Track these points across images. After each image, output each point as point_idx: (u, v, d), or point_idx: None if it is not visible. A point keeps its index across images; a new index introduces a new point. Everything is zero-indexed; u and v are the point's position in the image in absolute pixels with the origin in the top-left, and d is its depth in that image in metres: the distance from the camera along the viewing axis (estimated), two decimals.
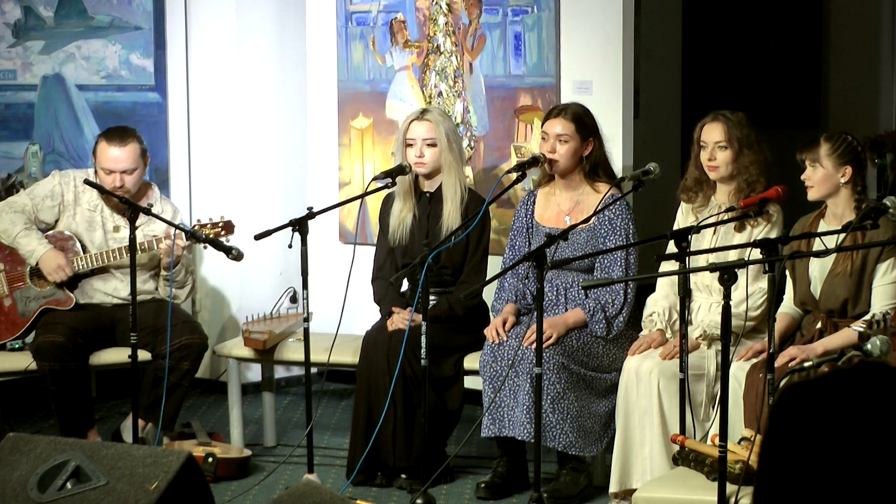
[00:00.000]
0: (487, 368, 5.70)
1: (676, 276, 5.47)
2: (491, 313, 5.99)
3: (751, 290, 5.33)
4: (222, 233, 6.07)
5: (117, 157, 6.18)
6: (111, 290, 6.30)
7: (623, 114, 6.44)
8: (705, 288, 5.63)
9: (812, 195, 5.33)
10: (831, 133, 5.44)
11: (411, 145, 6.02)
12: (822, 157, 5.27)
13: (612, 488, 5.47)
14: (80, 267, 6.21)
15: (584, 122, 5.81)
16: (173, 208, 6.43)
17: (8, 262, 6.31)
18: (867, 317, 4.71)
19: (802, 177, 5.32)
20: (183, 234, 6.01)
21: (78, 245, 6.24)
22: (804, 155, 5.31)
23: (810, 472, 1.73)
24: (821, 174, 5.27)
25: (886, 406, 1.74)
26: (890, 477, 1.71)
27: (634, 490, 5.10)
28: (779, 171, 5.61)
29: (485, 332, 5.79)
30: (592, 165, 5.83)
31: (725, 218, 5.37)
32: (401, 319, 5.88)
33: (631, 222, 5.77)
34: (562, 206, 5.88)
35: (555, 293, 5.79)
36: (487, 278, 5.81)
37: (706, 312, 5.57)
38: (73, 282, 6.25)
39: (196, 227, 6.08)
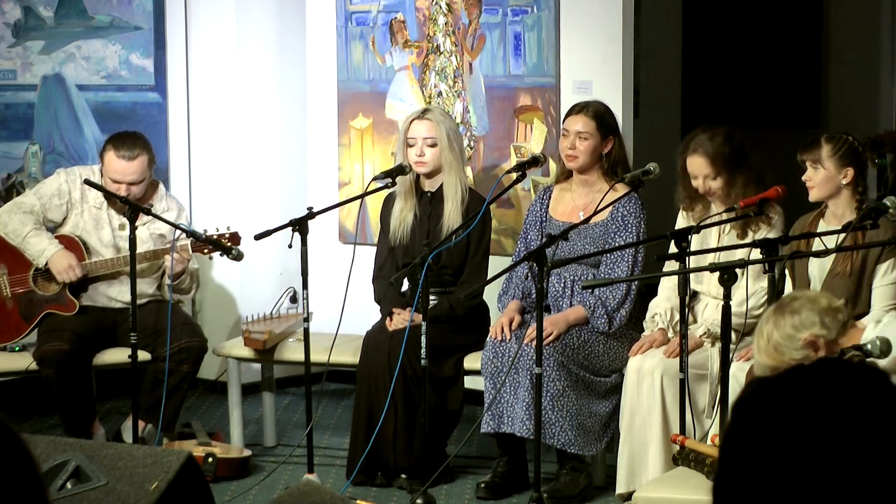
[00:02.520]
0: (489, 366, 5.70)
1: (677, 278, 5.48)
2: (497, 304, 5.99)
3: (753, 289, 5.32)
4: (228, 244, 6.06)
5: (125, 169, 6.16)
6: (115, 293, 6.29)
7: (623, 114, 6.44)
8: (708, 292, 5.62)
9: (814, 196, 5.31)
10: (832, 134, 5.42)
11: (412, 145, 6.02)
12: (823, 159, 5.25)
13: (620, 489, 5.46)
14: (91, 269, 6.20)
15: (605, 120, 5.81)
16: (178, 206, 6.42)
17: (11, 265, 6.28)
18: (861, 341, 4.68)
19: (804, 178, 5.31)
20: (188, 245, 6.03)
21: (83, 249, 6.23)
22: (805, 156, 5.30)
23: (768, 467, 1.75)
24: (822, 175, 5.26)
25: (844, 402, 1.76)
26: (846, 475, 1.72)
27: None
28: (778, 172, 5.60)
29: (490, 328, 5.80)
30: (612, 164, 5.83)
31: (725, 218, 5.35)
32: (400, 320, 5.88)
33: (643, 222, 5.77)
34: (577, 202, 5.88)
35: (562, 285, 5.79)
36: (488, 278, 5.81)
37: (712, 311, 5.57)
38: (80, 284, 6.22)
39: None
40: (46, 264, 6.16)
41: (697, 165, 5.52)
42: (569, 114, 5.89)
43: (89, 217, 6.27)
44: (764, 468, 1.75)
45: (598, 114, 5.81)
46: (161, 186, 6.44)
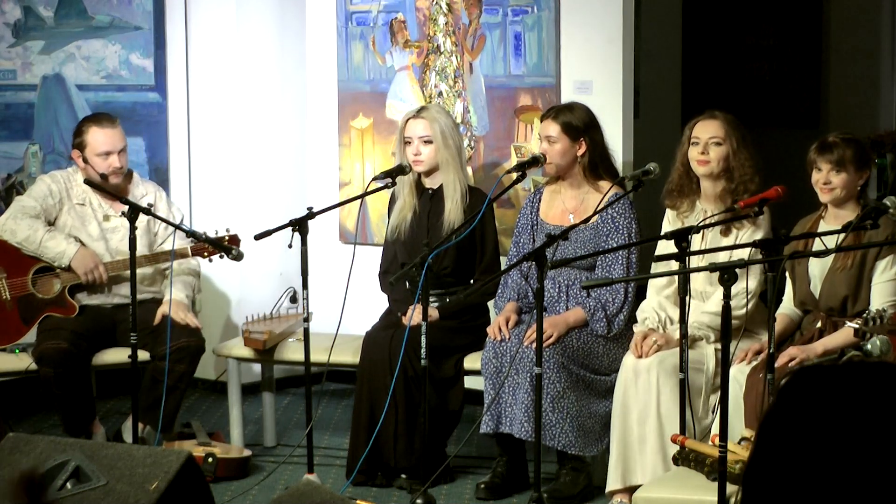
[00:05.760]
0: (489, 366, 5.70)
1: (664, 283, 5.48)
2: (493, 309, 6.00)
3: (737, 290, 5.32)
4: (228, 244, 6.06)
5: (114, 137, 6.25)
6: (115, 289, 6.29)
7: (623, 114, 6.44)
8: (698, 295, 5.57)
9: (831, 198, 5.24)
10: (848, 136, 5.31)
11: (409, 143, 6.04)
12: (847, 162, 5.20)
13: (612, 486, 5.44)
14: (110, 268, 6.21)
15: (571, 124, 5.79)
16: (155, 187, 6.46)
17: (10, 268, 6.27)
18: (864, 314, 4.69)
19: (821, 179, 5.24)
20: (189, 248, 6.06)
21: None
22: (825, 158, 5.20)
23: (804, 457, 1.75)
24: (844, 178, 5.20)
25: (889, 401, 1.76)
26: (882, 476, 1.72)
27: (636, 487, 5.10)
28: (778, 171, 5.59)
29: (487, 329, 5.80)
30: (591, 165, 5.83)
31: (726, 217, 5.34)
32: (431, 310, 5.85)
33: (634, 221, 5.77)
34: (566, 205, 5.89)
35: (556, 290, 5.79)
36: (491, 276, 5.82)
37: (696, 313, 5.56)
38: (81, 284, 6.21)
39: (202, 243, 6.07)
40: (69, 264, 6.16)
41: (709, 127, 5.54)
42: (542, 118, 5.91)
43: (75, 215, 6.29)
44: (800, 455, 1.75)
45: (565, 117, 5.79)
46: (135, 174, 6.46)
